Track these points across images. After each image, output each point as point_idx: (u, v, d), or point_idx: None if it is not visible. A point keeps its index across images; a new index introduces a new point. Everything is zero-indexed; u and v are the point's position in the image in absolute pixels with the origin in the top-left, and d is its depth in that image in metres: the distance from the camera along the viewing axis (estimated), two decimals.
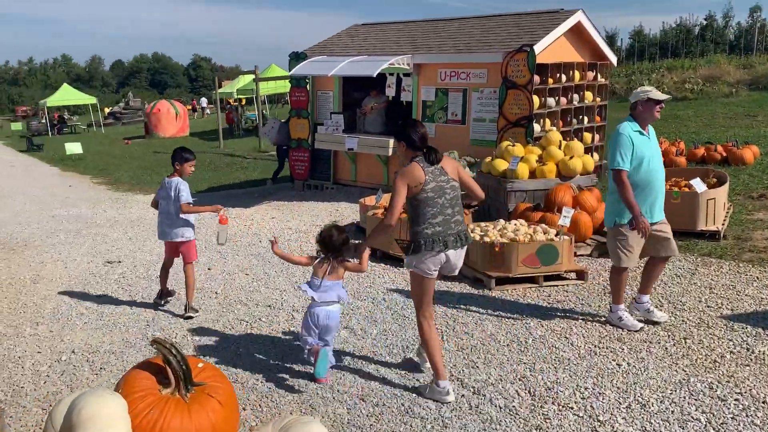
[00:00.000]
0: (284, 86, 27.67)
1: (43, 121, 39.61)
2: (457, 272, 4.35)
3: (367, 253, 4.37)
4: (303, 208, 11.06)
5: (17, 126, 43.63)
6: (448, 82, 10.87)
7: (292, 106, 12.67)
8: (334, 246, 4.35)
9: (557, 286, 6.41)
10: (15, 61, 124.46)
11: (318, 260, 4.41)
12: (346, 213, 10.46)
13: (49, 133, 38.39)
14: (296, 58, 12.29)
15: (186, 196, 5.51)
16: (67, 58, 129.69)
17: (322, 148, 11.93)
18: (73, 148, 25.54)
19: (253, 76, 25.61)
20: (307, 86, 12.45)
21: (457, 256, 4.18)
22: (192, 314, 5.70)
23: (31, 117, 47.31)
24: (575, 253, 7.12)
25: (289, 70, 12.26)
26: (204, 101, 49.44)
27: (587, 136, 11.37)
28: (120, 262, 7.66)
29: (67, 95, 39.79)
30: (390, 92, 11.48)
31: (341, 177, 12.45)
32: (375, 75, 10.19)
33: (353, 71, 10.58)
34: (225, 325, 5.65)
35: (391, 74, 11.39)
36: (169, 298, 6.10)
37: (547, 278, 6.48)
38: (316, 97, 12.48)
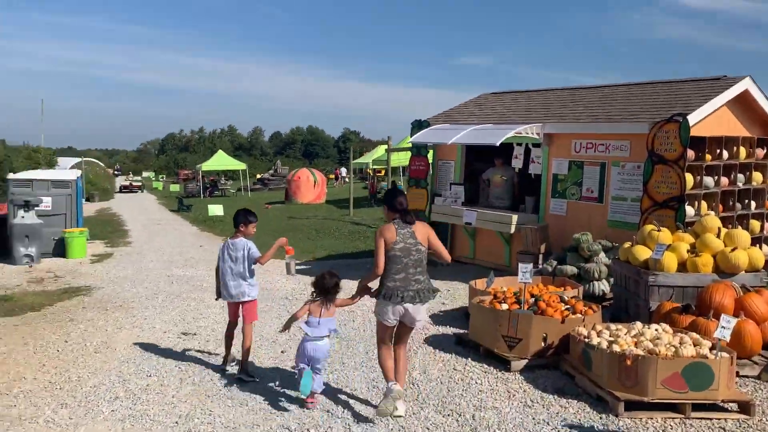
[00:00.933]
0: None
1: (198, 184, 42.74)
2: (416, 325, 4.89)
3: (359, 297, 5.14)
4: None
5: (175, 187, 47.57)
6: (583, 155, 9.61)
7: (411, 176, 11.99)
8: (326, 288, 5.04)
9: (710, 419, 4.82)
10: (188, 130, 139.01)
11: (314, 302, 5.06)
12: (459, 294, 9.34)
13: (201, 195, 41.24)
14: (418, 125, 11.67)
15: (256, 250, 5.73)
16: (232, 129, 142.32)
17: (438, 220, 11.02)
18: (215, 210, 26.88)
19: (385, 148, 25.69)
20: (428, 155, 11.74)
21: (415, 310, 4.76)
22: (245, 378, 5.64)
23: (190, 180, 51.38)
24: (737, 373, 5.47)
25: (411, 137, 11.64)
26: (344, 170, 51.07)
27: (755, 224, 9.48)
28: (195, 334, 7.13)
29: (220, 161, 42.76)
30: (517, 163, 10.43)
31: (458, 253, 11.40)
32: (498, 144, 9.23)
33: (475, 140, 9.69)
34: None
35: (519, 144, 10.36)
36: (233, 363, 5.93)
37: (697, 407, 4.92)
38: (436, 167, 11.71)
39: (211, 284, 10.43)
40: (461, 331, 7.24)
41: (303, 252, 14.53)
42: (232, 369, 5.81)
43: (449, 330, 7.38)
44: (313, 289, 5.08)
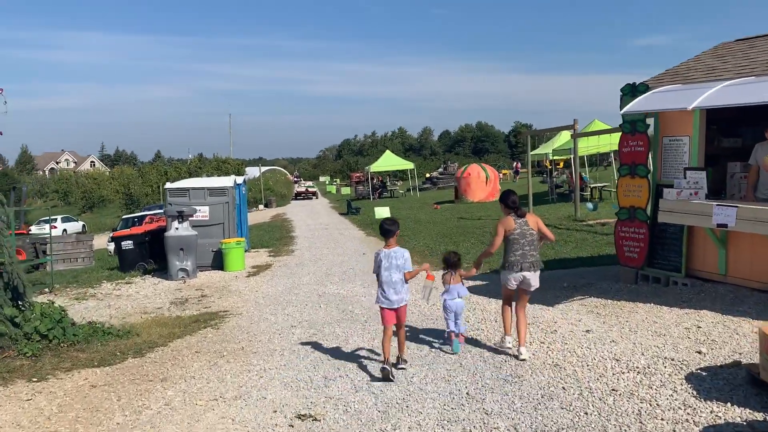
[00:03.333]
0: (608, 145, 23.54)
1: (368, 186, 41.94)
2: (532, 289, 6.01)
3: (471, 272, 6.56)
4: (637, 316, 7.06)
5: (346, 190, 47.36)
6: None
7: (623, 161, 8.82)
8: (452, 263, 6.44)
9: None
10: (362, 135, 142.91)
11: (446, 273, 6.45)
12: (718, 334, 6.15)
13: (371, 197, 40.30)
14: (631, 92, 8.52)
15: (410, 264, 5.87)
16: (402, 131, 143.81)
17: (668, 221, 7.79)
18: (382, 212, 25.25)
19: (570, 133, 22.20)
20: (647, 132, 8.53)
21: (531, 276, 5.94)
22: (404, 366, 5.83)
23: (363, 182, 51.08)
24: None
25: (621, 108, 8.52)
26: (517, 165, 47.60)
27: None
28: (317, 420, 4.65)
29: (388, 161, 41.54)
30: None
31: (699, 266, 8.07)
32: None
33: (735, 99, 6.40)
34: None
35: None
36: (400, 366, 5.84)
37: None
38: (660, 147, 8.46)
39: (364, 312, 8.30)
40: (758, 417, 4.19)
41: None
42: (396, 369, 5.76)
43: (734, 413, 4.32)
44: (443, 265, 6.50)
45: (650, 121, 8.52)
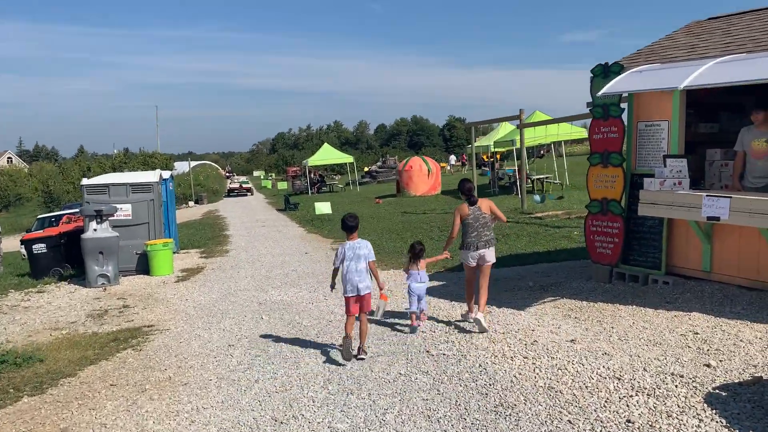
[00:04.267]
0: (554, 135, 23.25)
1: (306, 180, 40.57)
2: (488, 263, 6.69)
3: (442, 256, 7.23)
4: (623, 321, 6.31)
5: (283, 185, 45.77)
6: None
7: (594, 149, 8.08)
8: (416, 252, 6.98)
9: None
10: (296, 129, 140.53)
11: (411, 262, 7.01)
12: (720, 342, 5.45)
13: (309, 192, 38.99)
14: (603, 73, 7.78)
15: (373, 253, 6.11)
16: (338, 124, 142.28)
17: (649, 214, 7.08)
18: (323, 207, 24.11)
19: (512, 126, 21.74)
20: (622, 116, 7.82)
21: (486, 253, 6.65)
22: (363, 356, 5.86)
23: (298, 176, 49.56)
24: None
25: (593, 91, 7.77)
26: (453, 158, 47.35)
27: None
28: None
29: (326, 155, 40.29)
30: None
31: (681, 263, 7.42)
32: None
33: (735, 76, 5.69)
34: None
35: None
36: (360, 357, 5.84)
37: None
38: (635, 133, 7.76)
39: (314, 324, 7.20)
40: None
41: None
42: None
43: None
44: (409, 254, 7.13)
45: (624, 105, 7.82)
